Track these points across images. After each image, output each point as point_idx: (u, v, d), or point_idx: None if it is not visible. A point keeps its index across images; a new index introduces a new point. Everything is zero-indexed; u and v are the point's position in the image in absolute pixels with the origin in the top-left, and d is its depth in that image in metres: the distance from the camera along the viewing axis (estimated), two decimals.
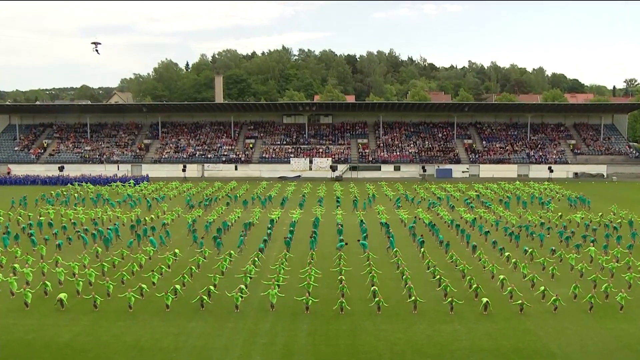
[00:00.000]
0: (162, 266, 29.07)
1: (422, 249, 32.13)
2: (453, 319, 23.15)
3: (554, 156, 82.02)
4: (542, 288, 25.08)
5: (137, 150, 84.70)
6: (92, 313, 23.68)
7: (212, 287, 25.15)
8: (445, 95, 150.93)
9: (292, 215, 42.81)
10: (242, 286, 25.26)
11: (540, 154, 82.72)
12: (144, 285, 25.42)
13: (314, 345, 20.74)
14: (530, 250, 32.18)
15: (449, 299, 23.90)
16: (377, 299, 23.79)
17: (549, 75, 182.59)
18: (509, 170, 79.67)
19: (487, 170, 79.79)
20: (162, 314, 23.63)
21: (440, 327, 22.38)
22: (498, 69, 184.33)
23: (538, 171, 78.83)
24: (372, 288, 24.16)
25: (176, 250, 31.65)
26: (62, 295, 24.07)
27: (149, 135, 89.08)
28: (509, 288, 25.04)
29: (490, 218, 42.62)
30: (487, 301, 23.68)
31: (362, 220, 40.00)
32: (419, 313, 23.74)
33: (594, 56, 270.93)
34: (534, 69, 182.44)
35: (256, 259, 30.41)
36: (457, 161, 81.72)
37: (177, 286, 25.52)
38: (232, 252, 31.31)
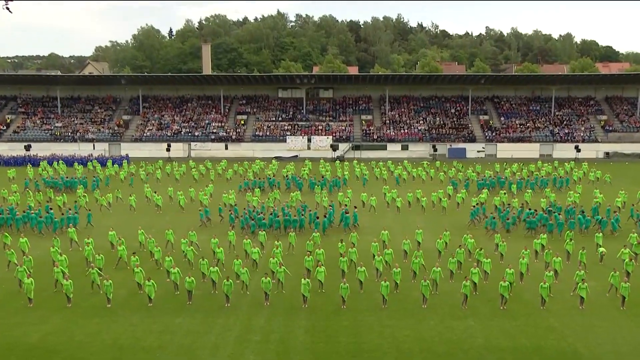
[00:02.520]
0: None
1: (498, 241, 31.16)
2: (466, 315, 23.25)
3: (582, 134, 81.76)
4: (581, 273, 24.65)
5: (115, 128, 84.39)
6: (65, 310, 23.73)
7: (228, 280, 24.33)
8: (459, 66, 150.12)
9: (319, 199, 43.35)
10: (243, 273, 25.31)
11: (566, 131, 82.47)
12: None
13: (313, 343, 20.84)
14: (568, 240, 30.87)
15: (465, 292, 23.79)
16: (386, 286, 23.65)
17: (578, 42, 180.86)
18: (530, 150, 79.46)
19: (505, 150, 79.59)
20: (145, 310, 23.73)
21: (452, 323, 22.48)
22: (519, 36, 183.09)
23: (563, 151, 78.56)
24: (384, 283, 24.07)
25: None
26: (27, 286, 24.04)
27: (129, 110, 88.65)
28: (546, 282, 24.23)
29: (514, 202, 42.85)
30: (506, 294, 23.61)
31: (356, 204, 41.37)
32: (428, 307, 23.83)
33: (630, 19, 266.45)
34: (560, 36, 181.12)
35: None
36: (472, 139, 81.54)
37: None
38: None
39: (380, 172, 57.58)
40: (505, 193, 44.20)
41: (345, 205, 40.76)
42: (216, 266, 26.87)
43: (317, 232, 32.27)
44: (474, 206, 39.47)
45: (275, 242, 29.56)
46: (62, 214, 37.57)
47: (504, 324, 22.36)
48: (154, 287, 24.12)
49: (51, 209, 38.20)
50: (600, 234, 31.84)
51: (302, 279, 24.03)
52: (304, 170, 57.21)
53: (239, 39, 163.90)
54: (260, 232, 32.41)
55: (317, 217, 35.48)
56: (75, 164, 63.53)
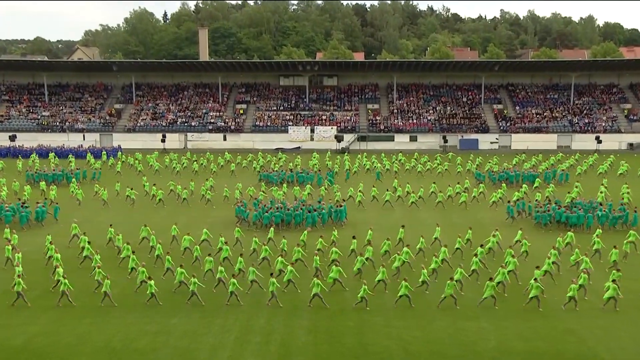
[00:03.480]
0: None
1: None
2: (479, 315, 23.24)
3: (604, 124, 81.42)
4: (618, 273, 24.24)
5: (107, 117, 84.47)
6: (53, 310, 23.72)
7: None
8: (472, 51, 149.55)
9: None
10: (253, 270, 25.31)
11: (587, 120, 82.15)
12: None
13: (316, 345, 20.89)
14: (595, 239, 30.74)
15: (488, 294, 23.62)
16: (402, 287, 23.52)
17: (600, 25, 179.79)
18: (547, 141, 79.22)
19: (520, 141, 79.34)
20: (139, 310, 23.77)
21: (463, 324, 22.48)
22: (536, 20, 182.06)
23: (583, 142, 78.23)
24: (403, 283, 24.03)
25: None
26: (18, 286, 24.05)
27: (121, 99, 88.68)
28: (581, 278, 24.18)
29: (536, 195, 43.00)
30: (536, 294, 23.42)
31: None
32: (438, 307, 23.82)
33: None
34: (581, 19, 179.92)
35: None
36: (485, 130, 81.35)
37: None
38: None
39: (392, 165, 57.97)
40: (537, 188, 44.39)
41: (344, 200, 40.90)
42: (222, 266, 26.62)
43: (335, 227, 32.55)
44: (516, 201, 39.05)
45: (283, 239, 29.82)
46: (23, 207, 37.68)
47: (519, 326, 22.32)
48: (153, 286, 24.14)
49: (24, 204, 38.14)
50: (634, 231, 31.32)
51: (315, 279, 24.02)
52: (313, 163, 57.85)
53: (238, 23, 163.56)
54: (271, 227, 32.77)
55: (310, 212, 35.93)
56: (70, 155, 63.75)
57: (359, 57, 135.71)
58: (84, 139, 79.59)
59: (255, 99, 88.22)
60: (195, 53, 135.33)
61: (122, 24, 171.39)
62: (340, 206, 37.66)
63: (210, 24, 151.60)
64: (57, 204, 39.99)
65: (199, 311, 23.57)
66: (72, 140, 78.69)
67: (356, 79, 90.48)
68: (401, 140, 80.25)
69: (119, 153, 65.70)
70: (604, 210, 35.99)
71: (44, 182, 47.13)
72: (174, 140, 79.34)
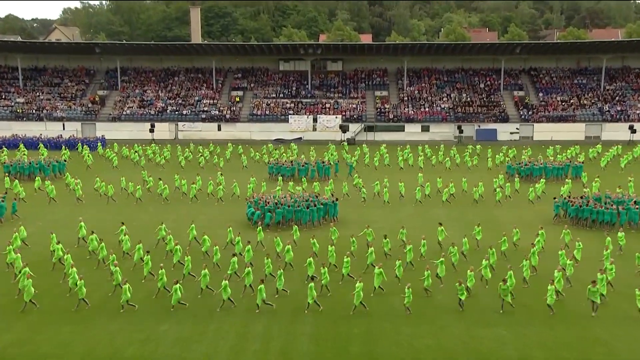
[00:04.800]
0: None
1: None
2: (497, 322, 23.30)
3: (639, 111, 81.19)
4: None
5: (89, 105, 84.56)
6: (30, 315, 23.74)
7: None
8: (491, 32, 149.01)
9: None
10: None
11: (619, 108, 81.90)
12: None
13: (318, 353, 21.00)
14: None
15: (506, 298, 23.83)
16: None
17: (637, 0, 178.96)
18: (574, 131, 78.79)
19: (543, 131, 79.22)
20: (126, 315, 23.85)
21: (479, 331, 22.56)
22: None
23: (614, 132, 77.83)
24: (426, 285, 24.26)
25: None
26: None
27: (104, 85, 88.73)
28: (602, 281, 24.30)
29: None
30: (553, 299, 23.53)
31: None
32: (452, 313, 23.93)
33: None
34: None
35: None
36: (504, 119, 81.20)
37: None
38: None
39: (403, 157, 58.38)
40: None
41: (344, 195, 41.92)
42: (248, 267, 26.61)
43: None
44: (568, 198, 38.90)
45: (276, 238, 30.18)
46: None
47: (542, 334, 22.35)
48: (180, 291, 24.19)
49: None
50: None
51: (358, 283, 24.10)
52: (328, 155, 58.41)
53: (233, 2, 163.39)
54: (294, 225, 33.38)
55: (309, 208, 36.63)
56: (64, 147, 64.01)
57: (366, 39, 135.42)
58: (63, 129, 79.56)
59: (252, 85, 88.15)
60: (187, 34, 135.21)
61: (105, 1, 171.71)
62: (337, 200, 38.68)
63: (203, 2, 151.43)
64: (16, 199, 40.35)
65: (191, 316, 23.66)
66: (50, 130, 78.49)
67: (363, 63, 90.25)
68: (412, 131, 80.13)
69: (100, 145, 65.86)
70: (636, 207, 36.12)
71: (7, 178, 47.70)
72: (163, 131, 79.38)
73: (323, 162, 52.92)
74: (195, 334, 22.27)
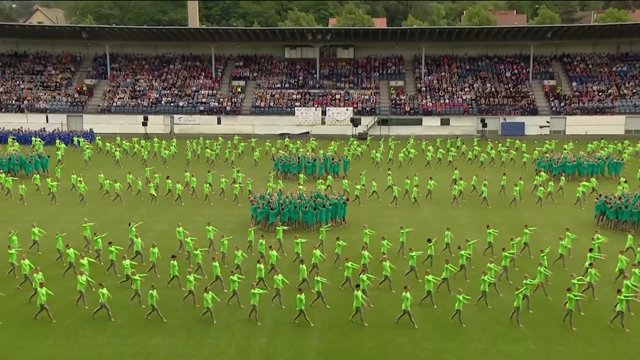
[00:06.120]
0: None
1: None
2: (526, 336, 23.17)
3: None
4: None
5: (76, 95, 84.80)
6: (8, 328, 23.68)
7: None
8: (519, 15, 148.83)
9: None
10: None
11: None
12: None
13: None
14: None
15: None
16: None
17: None
18: (612, 125, 78.30)
19: (576, 125, 78.76)
20: (113, 328, 23.80)
21: (506, 347, 22.44)
22: None
23: None
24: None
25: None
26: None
27: (93, 73, 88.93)
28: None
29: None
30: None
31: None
32: (475, 326, 23.75)
33: None
34: None
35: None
36: (533, 111, 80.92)
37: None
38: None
39: (446, 153, 58.84)
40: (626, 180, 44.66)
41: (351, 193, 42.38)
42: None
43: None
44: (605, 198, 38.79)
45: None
46: None
47: (577, 350, 22.20)
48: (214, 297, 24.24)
49: None
50: None
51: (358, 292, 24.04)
52: (347, 149, 59.45)
53: None
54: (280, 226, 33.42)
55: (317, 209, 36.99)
56: (58, 141, 64.29)
57: (380, 23, 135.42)
58: (47, 121, 79.66)
59: (255, 74, 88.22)
60: (183, 18, 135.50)
61: None
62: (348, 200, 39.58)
63: None
64: None
65: (186, 329, 23.60)
66: (32, 122, 78.43)
67: (376, 50, 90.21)
68: (430, 124, 79.93)
69: (81, 139, 66.13)
70: None
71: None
72: (157, 124, 79.55)
73: (333, 159, 52.94)
74: (191, 348, 22.20)
